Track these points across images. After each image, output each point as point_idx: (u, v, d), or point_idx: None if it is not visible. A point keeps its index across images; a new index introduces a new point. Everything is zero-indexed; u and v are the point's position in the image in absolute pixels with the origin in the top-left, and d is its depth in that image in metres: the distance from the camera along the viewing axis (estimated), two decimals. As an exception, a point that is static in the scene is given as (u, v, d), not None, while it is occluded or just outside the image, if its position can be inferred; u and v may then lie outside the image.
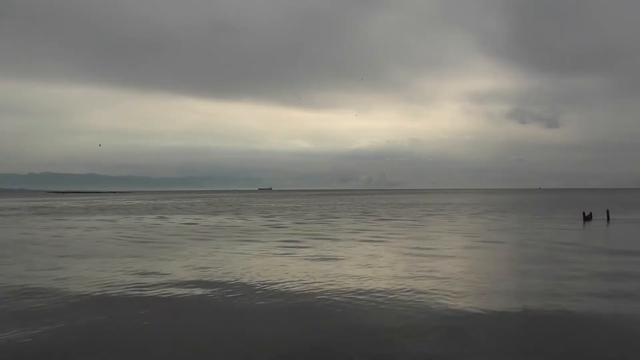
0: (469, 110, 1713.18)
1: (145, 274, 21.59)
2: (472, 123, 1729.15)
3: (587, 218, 54.67)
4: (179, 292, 17.72)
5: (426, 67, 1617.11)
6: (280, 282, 19.34)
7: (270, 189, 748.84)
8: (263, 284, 19.08)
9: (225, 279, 20.24)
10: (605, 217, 55.28)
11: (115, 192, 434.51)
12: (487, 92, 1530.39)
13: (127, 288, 18.49)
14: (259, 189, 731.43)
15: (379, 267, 23.00)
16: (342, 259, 25.46)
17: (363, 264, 23.86)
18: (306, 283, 19.19)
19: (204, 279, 20.25)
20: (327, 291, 17.65)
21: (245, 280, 20.03)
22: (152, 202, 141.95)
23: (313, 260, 25.36)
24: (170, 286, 18.82)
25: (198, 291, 17.95)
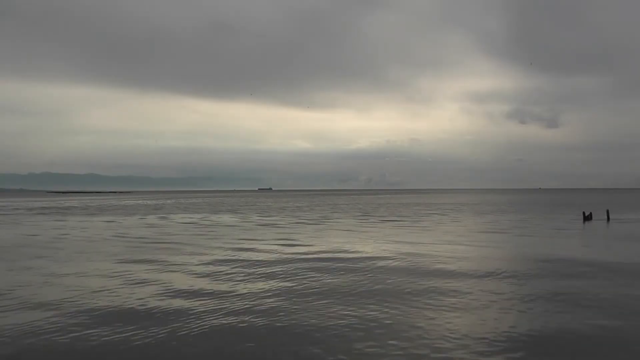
0: (469, 110, 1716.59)
1: (150, 279, 21.74)
2: (472, 123, 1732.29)
3: (587, 218, 54.82)
4: (181, 301, 17.88)
5: (426, 67, 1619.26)
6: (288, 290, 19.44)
7: (270, 189, 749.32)
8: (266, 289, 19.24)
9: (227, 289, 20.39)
10: (605, 217, 55.42)
11: (115, 192, 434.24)
12: (487, 92, 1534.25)
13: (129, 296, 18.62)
14: (259, 189, 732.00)
15: (380, 273, 23.06)
16: (347, 265, 25.49)
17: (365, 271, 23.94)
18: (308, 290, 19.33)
19: (206, 288, 20.37)
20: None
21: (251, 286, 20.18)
22: (153, 202, 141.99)
23: (318, 261, 25.49)
24: (175, 293, 18.98)
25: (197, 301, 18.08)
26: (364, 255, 26.79)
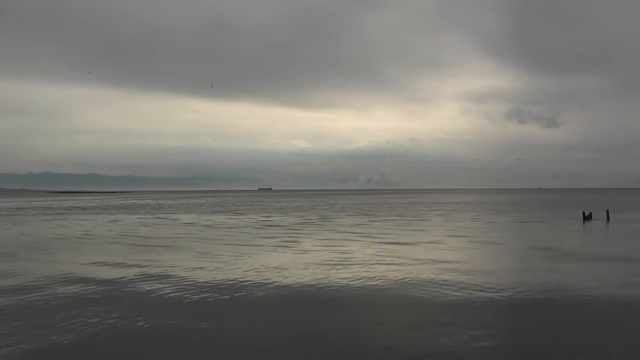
0: (468, 110, 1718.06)
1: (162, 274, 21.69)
2: (471, 123, 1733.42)
3: (587, 218, 54.77)
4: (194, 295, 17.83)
5: (425, 66, 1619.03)
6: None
7: (270, 188, 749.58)
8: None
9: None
10: (605, 217, 55.36)
11: (114, 192, 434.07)
12: (487, 92, 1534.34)
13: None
14: (259, 188, 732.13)
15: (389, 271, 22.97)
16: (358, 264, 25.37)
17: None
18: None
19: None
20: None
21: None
22: (153, 201, 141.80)
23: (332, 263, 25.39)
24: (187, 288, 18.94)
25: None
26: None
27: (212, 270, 22.25)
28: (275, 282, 19.43)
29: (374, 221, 55.34)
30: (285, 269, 22.60)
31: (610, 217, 55.23)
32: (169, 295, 17.32)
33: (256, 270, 22.32)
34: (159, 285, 18.91)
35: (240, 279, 19.99)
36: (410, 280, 19.38)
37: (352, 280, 19.47)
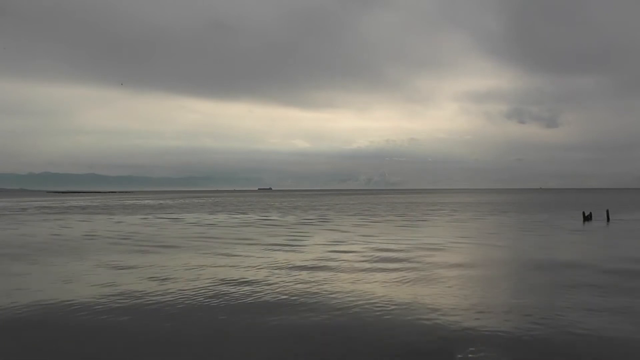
0: (468, 110, 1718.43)
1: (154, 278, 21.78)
2: (471, 123, 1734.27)
3: (587, 218, 54.85)
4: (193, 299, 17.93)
5: (425, 66, 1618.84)
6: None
7: (270, 188, 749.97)
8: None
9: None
10: (605, 217, 55.41)
11: (114, 192, 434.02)
12: (486, 92, 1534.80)
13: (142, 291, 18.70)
14: (259, 188, 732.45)
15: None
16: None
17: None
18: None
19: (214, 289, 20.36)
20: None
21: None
22: (154, 201, 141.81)
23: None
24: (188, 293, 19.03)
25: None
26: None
27: (205, 274, 22.43)
28: (266, 290, 19.35)
29: (375, 222, 55.45)
30: (281, 272, 22.76)
31: (610, 217, 55.29)
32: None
33: (249, 274, 22.46)
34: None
35: (228, 286, 20.15)
36: (407, 293, 18.43)
37: (348, 295, 17.80)
